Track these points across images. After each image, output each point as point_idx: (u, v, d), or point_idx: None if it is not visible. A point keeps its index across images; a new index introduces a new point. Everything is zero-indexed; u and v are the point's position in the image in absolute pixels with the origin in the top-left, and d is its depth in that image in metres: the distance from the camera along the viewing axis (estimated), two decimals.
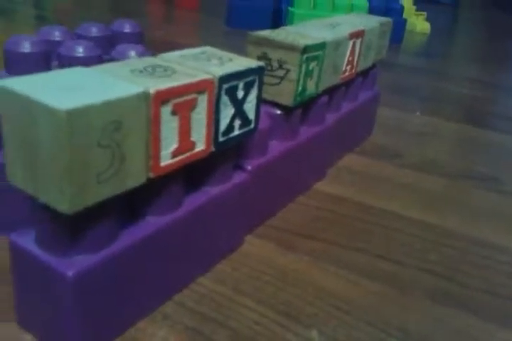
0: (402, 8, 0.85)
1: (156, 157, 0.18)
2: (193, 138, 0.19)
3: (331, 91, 0.33)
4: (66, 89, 0.15)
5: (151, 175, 0.18)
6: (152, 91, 0.17)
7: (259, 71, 0.22)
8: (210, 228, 0.23)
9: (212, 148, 0.21)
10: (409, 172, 0.38)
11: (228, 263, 0.25)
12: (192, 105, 0.19)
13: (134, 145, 0.17)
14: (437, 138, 0.46)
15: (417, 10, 1.01)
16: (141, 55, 0.30)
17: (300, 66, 0.27)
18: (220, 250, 0.25)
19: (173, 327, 0.20)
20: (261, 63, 0.22)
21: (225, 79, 0.20)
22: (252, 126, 0.23)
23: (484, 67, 0.79)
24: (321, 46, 0.28)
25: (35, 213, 0.17)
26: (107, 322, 0.19)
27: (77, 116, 0.14)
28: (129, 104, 0.16)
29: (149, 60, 0.20)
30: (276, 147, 0.28)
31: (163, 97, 0.17)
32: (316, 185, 0.34)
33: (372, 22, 0.37)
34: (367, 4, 0.77)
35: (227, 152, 0.23)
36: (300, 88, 0.27)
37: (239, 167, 0.25)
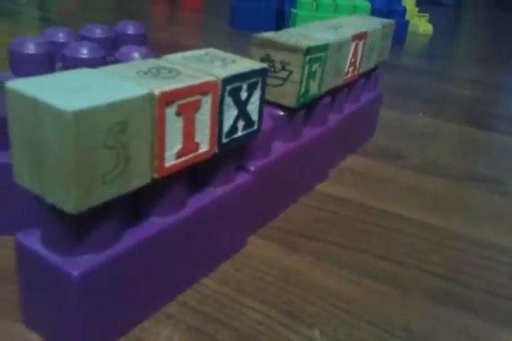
0: (404, 9, 0.85)
1: (161, 158, 0.18)
2: (196, 139, 0.20)
3: (334, 92, 0.33)
4: (72, 91, 0.16)
5: (156, 175, 0.18)
6: (157, 92, 0.17)
7: (262, 72, 0.22)
8: (213, 229, 0.23)
9: (216, 149, 0.21)
10: (411, 174, 0.38)
11: (231, 264, 0.25)
12: (196, 106, 0.19)
13: (139, 146, 0.17)
14: (439, 140, 0.46)
15: (419, 11, 1.01)
16: (144, 56, 0.30)
17: (303, 67, 0.27)
18: (223, 251, 0.25)
19: (177, 327, 0.21)
20: (264, 65, 0.22)
21: (228, 80, 0.20)
22: (255, 127, 0.23)
23: (486, 69, 0.79)
24: (324, 48, 0.28)
25: (41, 213, 0.17)
26: (111, 322, 0.19)
27: (84, 118, 0.15)
28: (134, 106, 0.16)
29: (154, 62, 0.20)
30: (279, 148, 0.28)
31: (167, 98, 0.17)
32: (318, 186, 0.34)
33: (374, 24, 0.37)
34: (369, 6, 0.77)
35: (230, 153, 0.23)
36: (303, 89, 0.27)
37: (242, 168, 0.25)
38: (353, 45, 0.33)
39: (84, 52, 0.30)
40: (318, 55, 0.28)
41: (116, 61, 0.29)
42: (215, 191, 0.23)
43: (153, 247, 0.20)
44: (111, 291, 0.18)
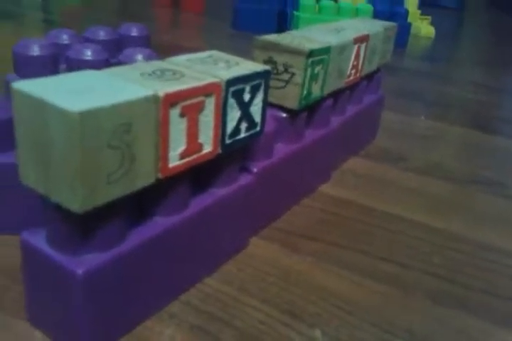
0: (406, 12, 0.85)
1: (165, 158, 0.18)
2: (200, 140, 0.20)
3: (336, 94, 0.33)
4: (77, 92, 0.16)
5: (160, 175, 0.18)
6: (161, 94, 0.17)
7: (265, 75, 0.22)
8: (216, 229, 0.23)
9: (219, 150, 0.21)
10: (413, 176, 0.38)
11: (233, 264, 0.25)
12: (200, 108, 0.19)
13: (144, 147, 0.17)
14: (442, 143, 0.46)
15: (421, 14, 1.01)
16: (148, 58, 0.30)
17: (305, 70, 0.27)
18: (225, 251, 0.25)
19: (179, 326, 0.21)
20: (267, 67, 0.23)
21: (231, 82, 0.20)
22: (258, 128, 0.23)
23: (489, 72, 0.79)
24: (326, 50, 0.28)
25: (46, 212, 0.17)
26: (115, 320, 0.19)
27: (89, 118, 0.15)
28: (138, 107, 0.16)
29: (158, 64, 0.20)
30: (281, 150, 0.28)
31: (171, 100, 0.18)
32: (320, 188, 0.34)
33: (376, 27, 0.37)
34: (371, 8, 0.77)
35: (233, 154, 0.23)
36: (305, 91, 0.28)
37: (245, 169, 0.25)
38: (355, 47, 0.33)
39: (88, 54, 0.30)
40: (321, 57, 0.28)
41: (119, 63, 0.30)
42: (218, 192, 0.23)
43: (157, 247, 0.20)
44: (115, 290, 0.18)
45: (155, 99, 0.17)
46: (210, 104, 0.20)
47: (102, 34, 0.35)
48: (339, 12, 0.76)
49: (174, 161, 0.19)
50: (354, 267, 0.26)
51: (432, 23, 1.03)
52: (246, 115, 0.22)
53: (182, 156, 0.19)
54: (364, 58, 0.35)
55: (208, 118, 0.20)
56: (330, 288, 0.24)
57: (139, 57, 0.30)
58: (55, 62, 0.29)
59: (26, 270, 0.19)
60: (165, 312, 0.21)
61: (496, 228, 0.32)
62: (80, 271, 0.17)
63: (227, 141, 0.21)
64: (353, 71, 0.34)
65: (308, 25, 0.35)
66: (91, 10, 0.92)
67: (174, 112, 0.18)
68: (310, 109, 0.30)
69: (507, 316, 0.24)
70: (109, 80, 0.17)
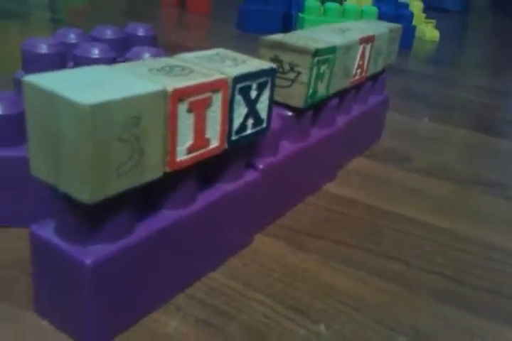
0: (411, 14, 0.85)
1: (173, 152, 0.18)
2: (207, 136, 0.20)
3: (342, 94, 0.34)
4: (88, 86, 0.16)
5: (168, 169, 0.18)
6: (170, 89, 0.17)
7: (271, 72, 0.23)
8: (222, 223, 0.24)
9: (226, 146, 0.21)
10: (418, 177, 0.38)
11: (239, 259, 0.25)
12: (207, 103, 0.19)
13: (152, 141, 0.17)
14: (446, 144, 0.46)
15: (426, 17, 1.02)
16: (156, 56, 0.30)
17: (311, 69, 0.27)
18: (231, 246, 0.25)
19: (185, 319, 0.21)
20: (273, 65, 0.23)
21: (238, 79, 0.21)
22: (264, 125, 0.23)
23: (493, 75, 0.79)
24: (332, 50, 0.29)
25: (56, 203, 0.18)
26: (122, 311, 0.19)
27: (100, 111, 0.15)
28: (148, 101, 0.17)
29: (166, 60, 0.21)
30: (287, 147, 0.28)
31: (180, 95, 0.18)
32: (325, 187, 0.34)
33: (381, 28, 0.37)
34: (376, 10, 0.77)
35: (239, 150, 0.23)
36: (311, 90, 0.28)
37: (251, 166, 0.25)
38: (361, 47, 0.33)
39: (95, 53, 0.30)
40: (327, 56, 0.28)
41: (127, 61, 0.30)
42: (225, 187, 0.23)
43: (164, 239, 0.20)
44: (122, 281, 0.19)
45: (164, 93, 0.17)
46: (218, 100, 0.20)
47: (109, 33, 0.35)
48: (344, 14, 0.76)
49: (182, 155, 0.19)
50: (361, 266, 0.26)
51: (437, 27, 1.03)
52: (252, 112, 0.22)
53: (189, 151, 0.19)
54: (369, 58, 0.35)
55: (215, 114, 0.20)
56: (336, 285, 0.25)
57: (147, 55, 0.31)
58: (63, 61, 0.30)
59: (35, 260, 0.19)
60: (171, 304, 0.22)
61: (500, 228, 0.32)
62: (88, 261, 0.17)
63: (234, 137, 0.22)
64: (359, 71, 0.34)
65: (312, 26, 0.36)
66: (98, 9, 0.93)
67: (182, 107, 0.18)
68: (316, 108, 0.31)
69: None
70: (118, 75, 0.18)
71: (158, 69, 0.19)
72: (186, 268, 0.22)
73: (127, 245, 0.18)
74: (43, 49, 0.30)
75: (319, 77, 0.28)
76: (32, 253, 0.19)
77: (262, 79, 0.22)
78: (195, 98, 0.19)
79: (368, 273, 0.26)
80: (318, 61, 0.28)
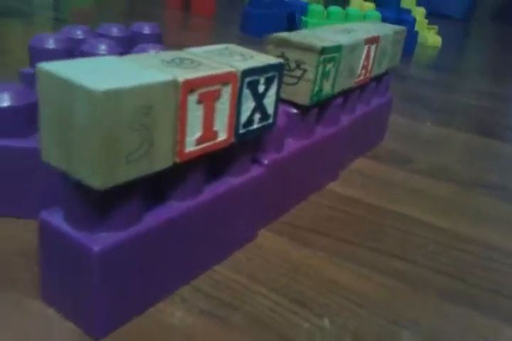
0: (414, 20, 0.86)
1: (182, 143, 0.19)
2: (215, 128, 0.20)
3: (346, 93, 0.34)
4: (101, 74, 0.16)
5: (177, 159, 0.19)
6: (181, 79, 0.18)
7: (279, 67, 0.23)
8: (228, 216, 0.24)
9: (233, 139, 0.21)
10: (419, 178, 0.38)
11: (243, 254, 0.25)
12: (216, 96, 0.20)
13: (162, 130, 0.17)
14: (447, 147, 0.47)
15: (428, 23, 1.02)
16: None
17: (317, 67, 0.27)
18: (236, 239, 0.25)
19: (190, 310, 0.21)
20: (281, 60, 0.23)
21: (247, 73, 0.21)
22: (271, 120, 0.24)
23: (494, 81, 0.80)
24: (338, 48, 0.29)
25: (66, 190, 0.18)
26: (129, 299, 0.20)
27: (112, 98, 0.15)
28: (159, 91, 0.17)
29: (176, 53, 0.21)
30: (291, 144, 0.29)
31: (190, 86, 0.18)
32: (328, 186, 0.34)
33: (386, 29, 0.37)
34: (379, 15, 0.78)
35: (246, 144, 0.23)
36: (316, 88, 0.28)
37: (256, 161, 0.26)
38: (366, 48, 0.33)
39: (102, 48, 0.31)
40: (333, 55, 0.29)
41: None
42: (231, 180, 0.23)
43: (172, 229, 0.20)
44: (130, 269, 0.19)
45: (175, 84, 0.18)
46: (226, 93, 0.20)
47: (115, 31, 0.35)
48: (347, 18, 0.77)
49: (190, 146, 0.19)
50: (364, 262, 0.26)
51: (439, 33, 1.04)
52: (260, 106, 0.22)
53: (198, 142, 0.19)
54: (374, 59, 0.35)
55: (223, 107, 0.20)
56: (340, 281, 0.25)
57: (153, 51, 0.31)
58: (70, 56, 0.30)
59: (44, 247, 0.19)
60: (177, 295, 0.22)
61: (500, 229, 0.32)
62: (96, 248, 0.17)
63: (241, 131, 0.22)
64: (363, 71, 0.34)
65: None
66: (101, 11, 0.93)
67: (192, 98, 0.19)
68: (321, 107, 0.31)
69: None
70: (129, 65, 0.18)
71: (168, 61, 0.19)
72: (192, 260, 0.22)
73: (136, 233, 0.18)
74: (50, 44, 0.30)
75: (325, 75, 0.29)
76: (40, 239, 0.19)
77: (269, 74, 0.22)
78: (205, 90, 0.19)
79: (371, 270, 0.26)
80: (324, 59, 0.28)
